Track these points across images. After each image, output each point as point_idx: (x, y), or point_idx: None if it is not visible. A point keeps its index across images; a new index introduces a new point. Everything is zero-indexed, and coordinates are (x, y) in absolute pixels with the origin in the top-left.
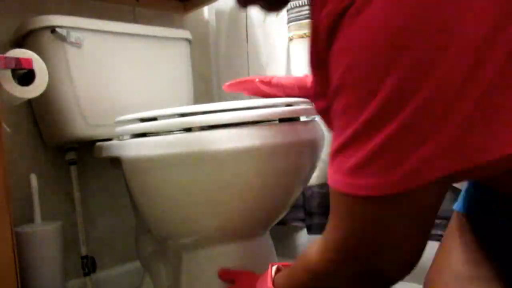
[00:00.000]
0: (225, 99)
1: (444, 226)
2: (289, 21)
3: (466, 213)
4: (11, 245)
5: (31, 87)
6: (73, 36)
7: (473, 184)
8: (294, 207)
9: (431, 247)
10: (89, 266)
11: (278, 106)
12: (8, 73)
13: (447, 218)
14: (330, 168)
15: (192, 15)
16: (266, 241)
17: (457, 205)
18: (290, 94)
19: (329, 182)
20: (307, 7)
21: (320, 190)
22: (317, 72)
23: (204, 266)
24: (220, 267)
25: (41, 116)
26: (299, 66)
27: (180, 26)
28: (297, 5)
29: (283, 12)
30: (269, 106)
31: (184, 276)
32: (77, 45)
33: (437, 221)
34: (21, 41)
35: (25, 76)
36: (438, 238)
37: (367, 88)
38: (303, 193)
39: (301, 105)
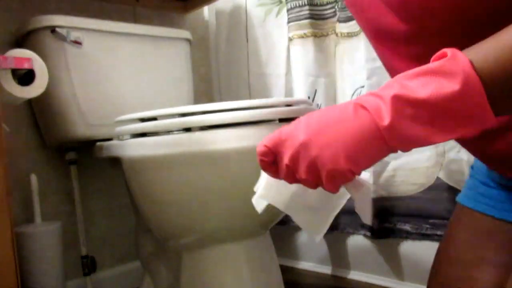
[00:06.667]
0: (225, 99)
1: (443, 226)
2: (289, 21)
3: (465, 205)
4: (11, 245)
5: (31, 87)
6: (73, 36)
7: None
8: None
9: (431, 247)
10: (89, 266)
11: (278, 106)
12: (8, 73)
13: (445, 218)
14: None
15: (192, 15)
16: (266, 241)
17: (459, 197)
18: None
19: None
20: (307, 7)
21: None
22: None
23: (204, 266)
24: (220, 267)
25: (41, 116)
26: (299, 66)
27: (180, 26)
28: (297, 5)
29: (283, 12)
30: (269, 106)
31: (184, 276)
32: (77, 45)
33: (435, 221)
34: (21, 41)
35: (25, 76)
36: (438, 238)
37: None
38: None
39: (301, 105)
